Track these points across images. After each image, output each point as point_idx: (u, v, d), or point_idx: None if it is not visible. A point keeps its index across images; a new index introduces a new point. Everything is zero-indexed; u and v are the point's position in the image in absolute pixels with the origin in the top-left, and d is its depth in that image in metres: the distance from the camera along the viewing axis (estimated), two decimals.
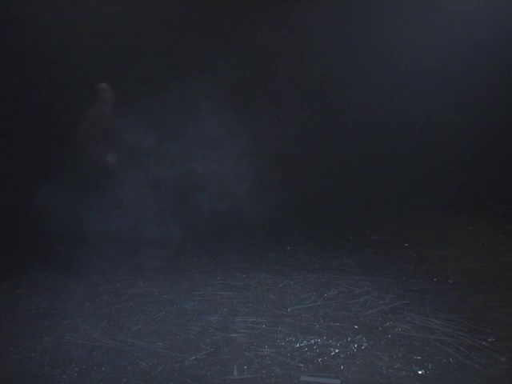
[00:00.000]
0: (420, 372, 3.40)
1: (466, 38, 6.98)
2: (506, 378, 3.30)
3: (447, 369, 3.43)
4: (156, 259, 5.62)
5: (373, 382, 3.29)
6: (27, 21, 6.79)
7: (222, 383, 3.32)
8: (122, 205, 6.35)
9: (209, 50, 6.93)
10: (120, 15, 6.96)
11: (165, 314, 4.39)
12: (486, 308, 4.40)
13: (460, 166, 7.86)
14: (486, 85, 7.27)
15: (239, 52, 6.89)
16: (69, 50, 6.99)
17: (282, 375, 3.36)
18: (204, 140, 5.86)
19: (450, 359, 3.55)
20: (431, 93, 7.47)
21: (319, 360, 3.58)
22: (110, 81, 6.20)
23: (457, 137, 7.65)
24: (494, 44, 7.18)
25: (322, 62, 7.36)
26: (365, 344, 3.81)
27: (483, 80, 7.26)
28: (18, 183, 6.79)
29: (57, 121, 7.08)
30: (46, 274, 5.51)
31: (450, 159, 7.85)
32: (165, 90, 6.12)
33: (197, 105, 6.20)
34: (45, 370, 3.50)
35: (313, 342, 3.86)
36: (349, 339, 3.89)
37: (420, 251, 6.10)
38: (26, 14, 6.78)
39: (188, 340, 3.91)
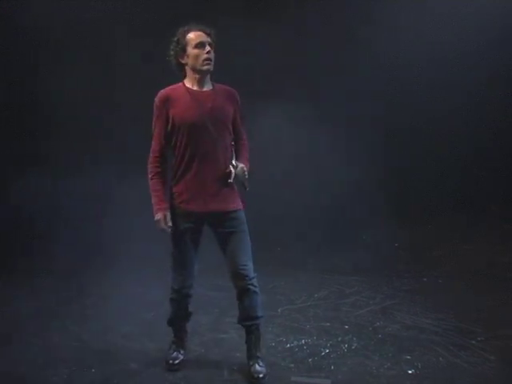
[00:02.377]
0: (410, 371, 3.40)
1: (465, 38, 6.98)
2: (495, 377, 3.32)
3: (437, 368, 3.44)
4: (145, 260, 5.61)
5: (363, 382, 3.29)
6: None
7: None
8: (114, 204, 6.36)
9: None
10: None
11: (155, 315, 4.38)
12: (476, 307, 4.42)
13: (455, 166, 7.87)
14: (484, 86, 7.28)
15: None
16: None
17: (272, 376, 3.35)
18: None
19: (440, 358, 3.56)
20: (429, 92, 7.46)
21: (309, 360, 3.58)
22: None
23: (452, 137, 7.66)
24: (492, 43, 7.20)
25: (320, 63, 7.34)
26: (355, 344, 3.82)
27: (482, 81, 7.27)
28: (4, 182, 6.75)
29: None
30: (34, 275, 5.48)
31: (445, 159, 7.86)
32: None
33: None
34: (34, 372, 3.48)
35: (303, 342, 3.86)
36: (339, 339, 3.90)
37: (410, 251, 6.12)
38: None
39: None
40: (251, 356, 3.41)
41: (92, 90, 7.05)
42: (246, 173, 3.28)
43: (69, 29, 6.79)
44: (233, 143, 3.35)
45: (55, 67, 6.85)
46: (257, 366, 3.35)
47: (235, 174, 3.22)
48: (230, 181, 3.21)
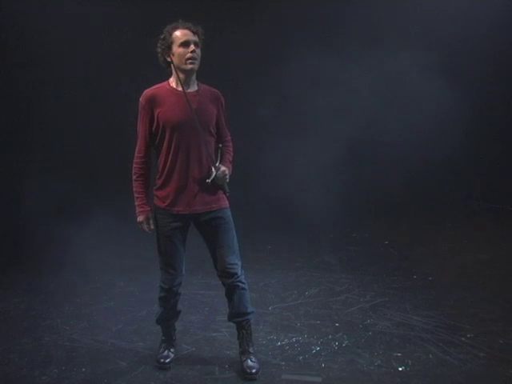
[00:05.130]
0: (400, 369, 3.42)
1: (458, 37, 7.01)
2: (484, 373, 3.34)
3: (427, 365, 3.46)
4: (137, 259, 5.60)
5: (354, 380, 3.30)
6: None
7: (204, 382, 3.32)
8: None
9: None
10: None
11: (146, 313, 4.37)
12: (465, 304, 4.44)
13: (438, 165, 7.91)
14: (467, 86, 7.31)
15: None
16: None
17: (263, 373, 3.36)
18: None
19: (430, 355, 3.58)
20: (420, 93, 7.48)
21: (300, 358, 3.59)
22: None
23: (435, 136, 7.70)
24: (493, 41, 7.24)
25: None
26: (345, 342, 3.83)
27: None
28: None
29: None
30: (24, 274, 5.45)
31: (429, 159, 7.90)
32: None
33: None
34: (24, 372, 3.46)
35: (294, 340, 3.87)
36: (330, 337, 3.91)
37: (400, 249, 6.14)
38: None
39: None
40: (243, 352, 3.43)
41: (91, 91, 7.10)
42: (227, 176, 3.29)
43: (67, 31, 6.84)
44: (220, 145, 3.37)
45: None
46: (249, 361, 3.38)
47: (215, 175, 3.22)
48: (208, 181, 3.22)
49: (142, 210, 3.30)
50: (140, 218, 3.31)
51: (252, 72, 7.48)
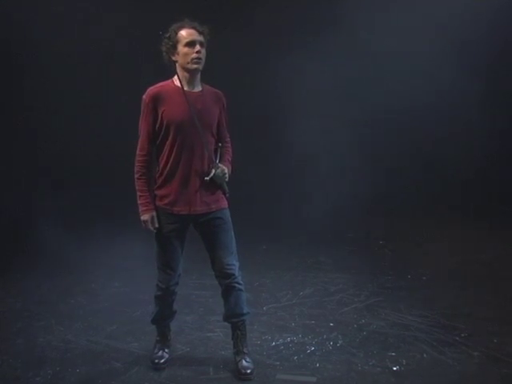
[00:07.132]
0: (395, 368, 3.42)
1: (463, 35, 7.00)
2: (478, 373, 3.35)
3: (421, 364, 3.47)
4: (131, 259, 5.58)
5: (348, 379, 3.30)
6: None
7: (198, 383, 3.31)
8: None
9: None
10: None
11: (140, 314, 4.36)
12: (460, 304, 4.46)
13: (435, 166, 7.93)
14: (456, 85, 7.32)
15: None
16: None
17: (258, 374, 3.36)
18: None
19: (424, 355, 3.59)
20: (412, 90, 7.48)
21: (295, 358, 3.59)
22: None
23: (430, 136, 7.72)
24: (489, 40, 7.24)
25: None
26: (340, 341, 3.83)
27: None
28: None
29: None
30: (19, 275, 5.44)
31: (424, 159, 7.92)
32: None
33: None
34: (18, 373, 3.45)
35: (288, 340, 3.87)
36: (324, 337, 3.91)
37: (395, 249, 6.15)
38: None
39: None
40: (238, 352, 3.43)
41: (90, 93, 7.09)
42: (227, 175, 3.31)
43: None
44: (220, 144, 3.37)
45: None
46: (244, 361, 3.38)
47: (214, 173, 3.23)
48: (207, 178, 3.23)
49: (146, 208, 3.27)
50: (145, 217, 3.27)
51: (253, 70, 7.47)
